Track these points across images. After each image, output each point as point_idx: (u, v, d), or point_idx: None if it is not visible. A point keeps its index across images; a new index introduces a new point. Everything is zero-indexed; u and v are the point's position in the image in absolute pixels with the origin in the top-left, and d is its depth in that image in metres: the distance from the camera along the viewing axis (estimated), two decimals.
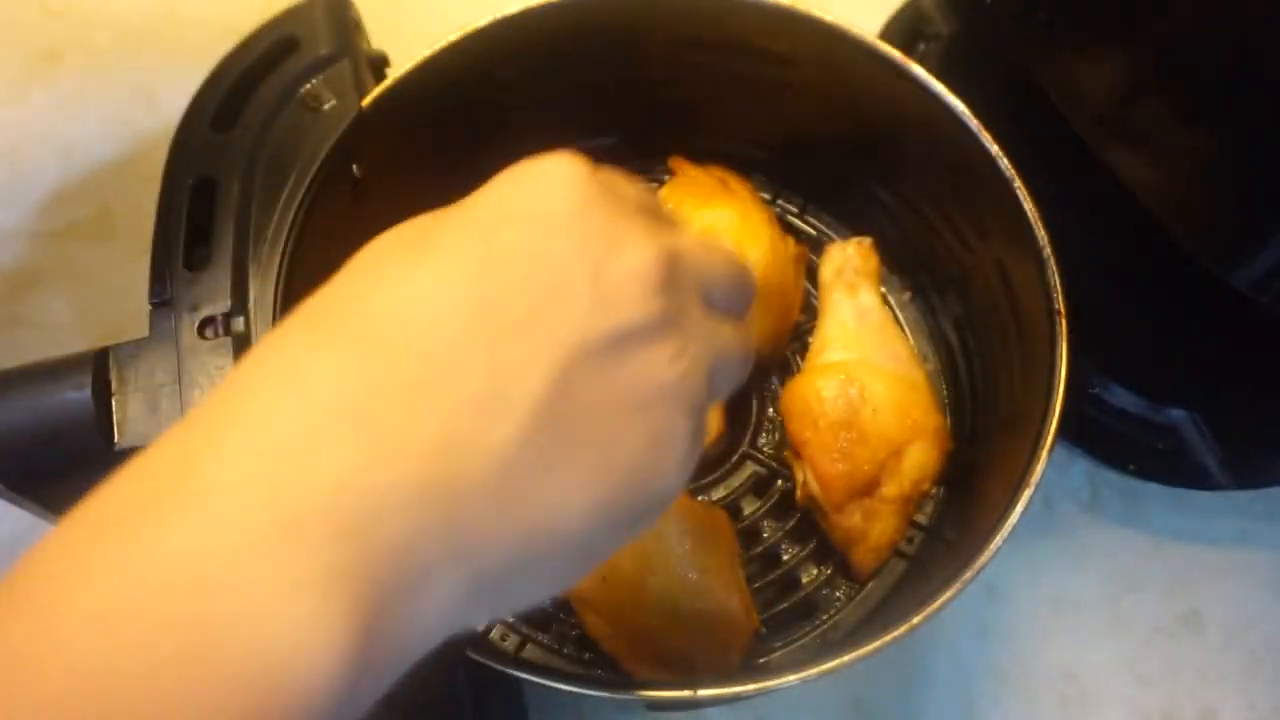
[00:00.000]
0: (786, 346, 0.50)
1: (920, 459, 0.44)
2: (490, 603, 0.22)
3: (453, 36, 0.43)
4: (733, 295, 0.28)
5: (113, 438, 0.35)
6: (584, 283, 0.22)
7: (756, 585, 0.45)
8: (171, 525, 0.18)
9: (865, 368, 0.46)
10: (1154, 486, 0.52)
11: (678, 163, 0.52)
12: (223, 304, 0.37)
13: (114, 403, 0.35)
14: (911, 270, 0.52)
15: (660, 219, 0.26)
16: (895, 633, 0.34)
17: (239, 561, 0.18)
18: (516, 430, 0.20)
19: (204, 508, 0.18)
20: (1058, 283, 0.39)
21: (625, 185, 0.26)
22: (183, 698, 0.17)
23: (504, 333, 0.21)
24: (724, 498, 0.48)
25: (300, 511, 0.18)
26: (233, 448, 0.19)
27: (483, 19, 0.44)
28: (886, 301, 0.51)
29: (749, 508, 0.48)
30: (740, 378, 0.28)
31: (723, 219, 0.48)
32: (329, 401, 0.20)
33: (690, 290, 0.25)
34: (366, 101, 0.42)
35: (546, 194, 0.23)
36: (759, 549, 0.47)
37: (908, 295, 0.52)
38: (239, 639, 0.17)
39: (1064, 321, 0.39)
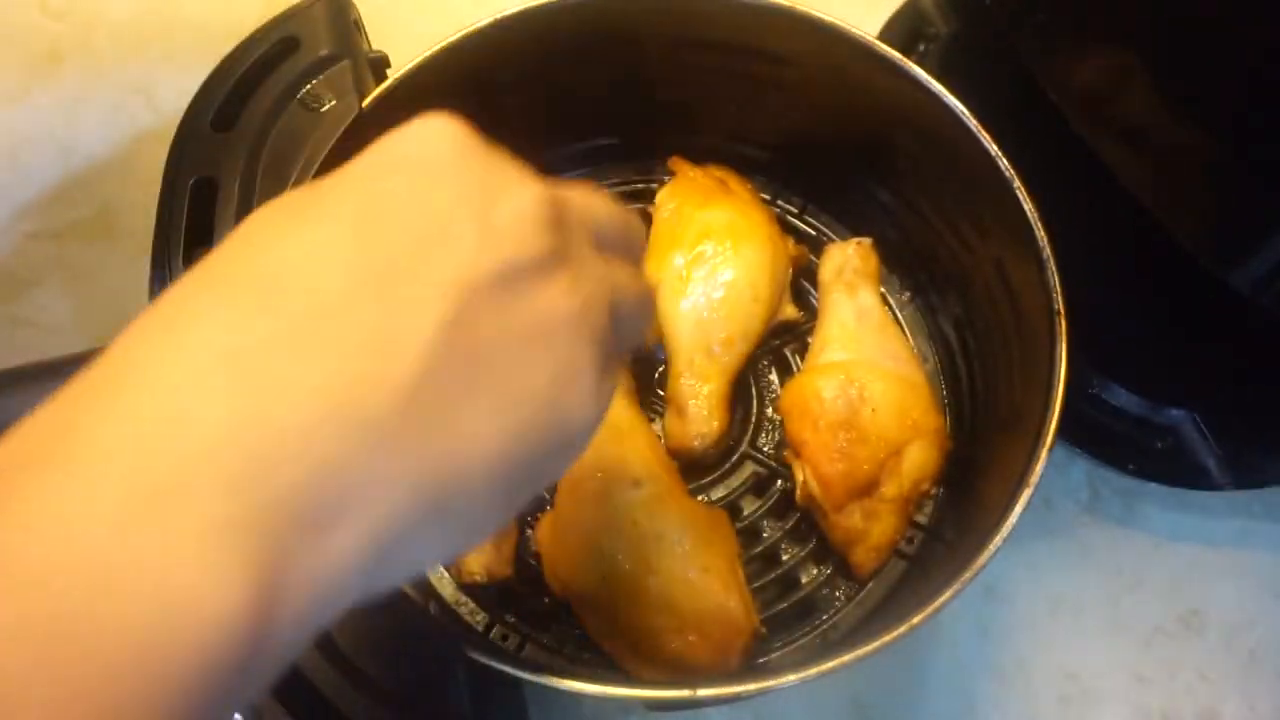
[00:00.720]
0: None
1: (920, 459, 0.44)
2: (403, 552, 0.21)
3: (453, 37, 0.43)
4: (623, 240, 0.28)
5: None
6: (469, 223, 0.22)
7: (756, 585, 0.45)
8: (50, 487, 0.17)
9: (865, 368, 0.46)
10: (1153, 486, 0.52)
11: (678, 163, 0.52)
12: None
13: None
14: (911, 270, 0.52)
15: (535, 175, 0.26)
16: (895, 633, 0.34)
17: (121, 520, 0.17)
18: (415, 366, 0.20)
19: (83, 467, 0.18)
20: (1057, 283, 0.39)
21: (502, 151, 0.26)
22: (73, 656, 0.16)
23: (392, 277, 0.21)
24: (724, 498, 0.48)
25: (184, 466, 0.18)
26: (114, 405, 0.19)
27: (483, 20, 0.44)
28: (886, 301, 0.51)
29: (749, 508, 0.48)
30: (644, 322, 0.29)
31: (723, 219, 0.48)
32: (213, 353, 0.19)
33: (579, 230, 0.25)
34: (366, 102, 0.42)
35: (425, 144, 0.24)
36: (759, 549, 0.47)
37: (907, 295, 0.52)
38: (128, 595, 0.17)
39: (1064, 321, 0.39)
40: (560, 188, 0.25)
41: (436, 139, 0.24)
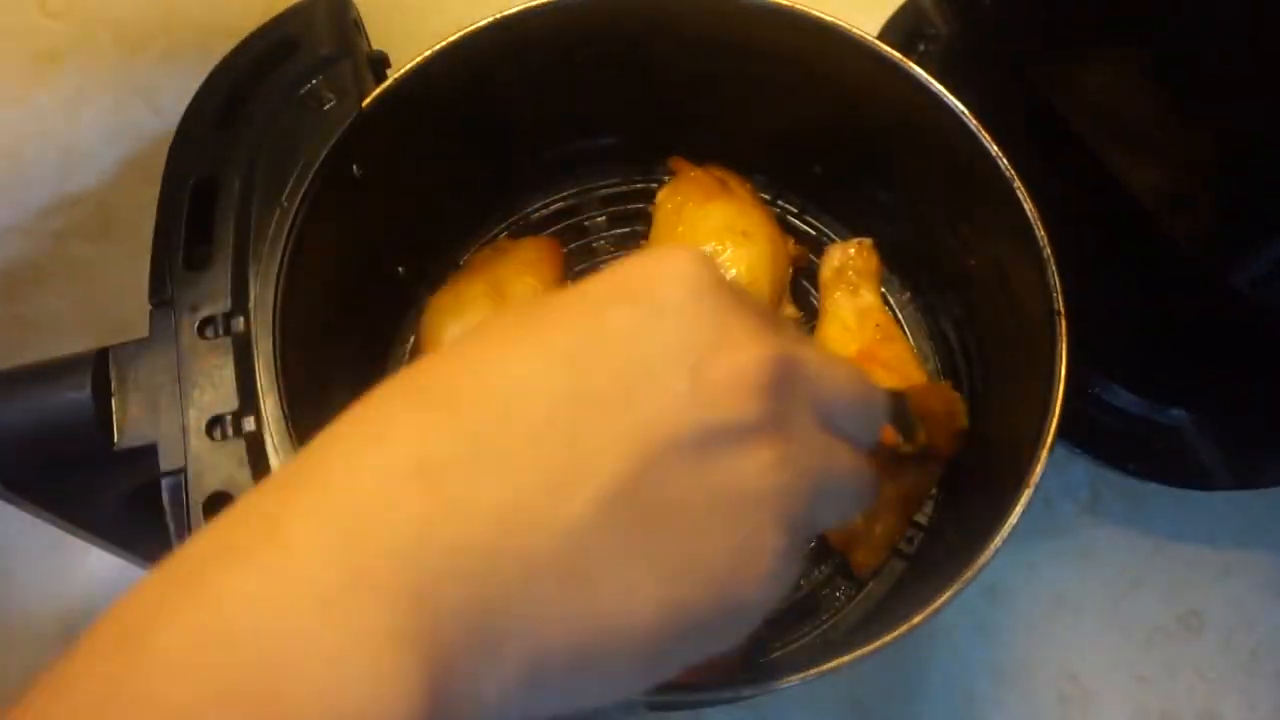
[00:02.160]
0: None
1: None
2: (551, 694, 0.21)
3: (453, 36, 0.43)
4: (857, 419, 0.26)
5: (113, 438, 0.35)
6: (683, 372, 0.21)
7: None
8: (245, 574, 0.18)
9: (865, 368, 0.46)
10: (1154, 487, 0.52)
11: (678, 163, 0.52)
12: (223, 304, 0.37)
13: (114, 403, 0.35)
14: (911, 270, 0.52)
15: (782, 326, 0.25)
16: (895, 633, 0.34)
17: (305, 610, 0.18)
18: (588, 510, 0.20)
19: (277, 558, 0.19)
20: (1057, 283, 0.39)
21: (748, 294, 0.25)
22: None
23: (591, 412, 0.21)
24: None
25: (370, 567, 0.18)
26: (311, 499, 0.19)
27: (482, 19, 0.44)
28: (886, 302, 0.51)
29: None
30: (853, 511, 0.27)
31: (723, 219, 0.48)
32: (407, 460, 0.20)
33: (804, 401, 0.23)
34: (366, 101, 0.41)
35: (660, 278, 0.23)
36: None
37: (908, 295, 0.52)
38: (306, 683, 0.17)
39: (1064, 322, 0.39)
40: (798, 347, 0.24)
41: (674, 276, 0.23)
